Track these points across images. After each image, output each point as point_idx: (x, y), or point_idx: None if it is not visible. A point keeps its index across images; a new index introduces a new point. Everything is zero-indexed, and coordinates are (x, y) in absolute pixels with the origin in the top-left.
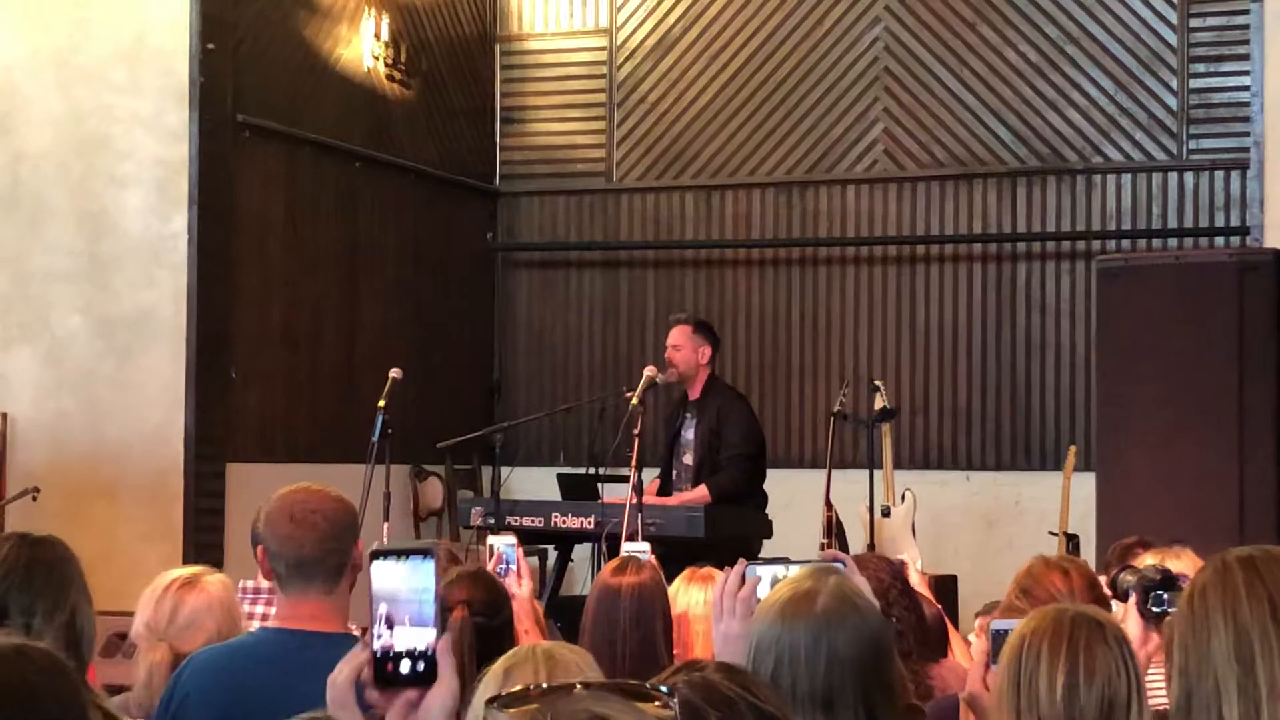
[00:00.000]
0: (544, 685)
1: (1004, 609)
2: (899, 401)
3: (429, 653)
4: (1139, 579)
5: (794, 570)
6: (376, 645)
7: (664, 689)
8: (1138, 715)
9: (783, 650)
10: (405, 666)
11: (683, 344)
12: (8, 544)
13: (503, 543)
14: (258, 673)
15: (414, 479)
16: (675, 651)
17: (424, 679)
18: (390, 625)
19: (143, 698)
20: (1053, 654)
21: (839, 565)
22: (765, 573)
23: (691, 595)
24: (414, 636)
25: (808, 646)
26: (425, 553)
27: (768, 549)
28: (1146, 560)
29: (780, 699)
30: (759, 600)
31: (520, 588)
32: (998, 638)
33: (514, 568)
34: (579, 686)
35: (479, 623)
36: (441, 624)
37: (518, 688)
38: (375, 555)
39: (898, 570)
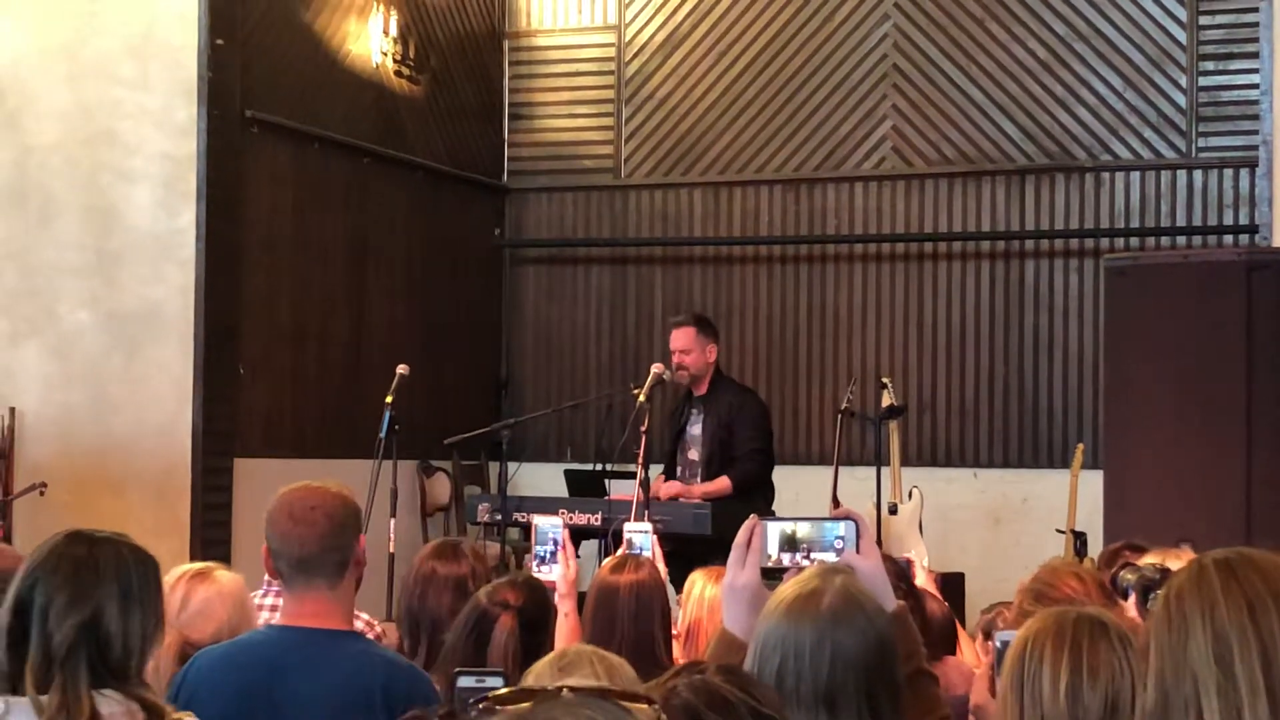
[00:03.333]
0: (530, 689)
1: (1016, 617)
2: (906, 399)
3: None
4: (1138, 578)
5: (803, 527)
6: None
7: (654, 700)
8: (1141, 715)
9: (788, 649)
10: None
11: (690, 347)
12: (56, 537)
13: (550, 522)
14: (262, 670)
15: (421, 475)
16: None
17: None
18: None
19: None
20: (1055, 654)
21: (850, 522)
22: (773, 528)
23: (707, 597)
24: None
25: (812, 645)
26: None
27: None
28: (1148, 560)
29: (780, 703)
30: (768, 556)
31: (568, 568)
32: (1004, 650)
33: (561, 549)
34: (566, 691)
35: (524, 639)
36: None
37: (504, 690)
38: None
39: (902, 571)
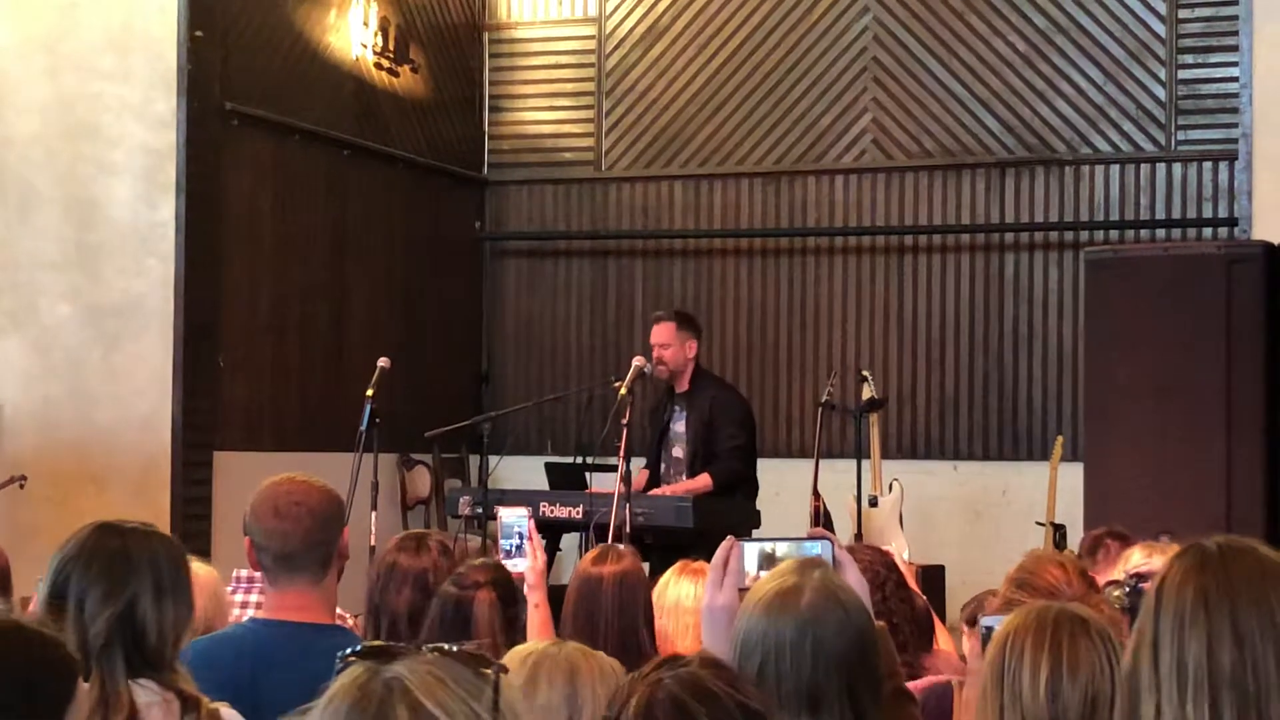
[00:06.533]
0: (391, 645)
1: (1001, 605)
2: (886, 391)
3: None
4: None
5: (780, 547)
6: None
7: (499, 663)
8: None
9: (769, 646)
10: None
11: (669, 342)
12: (86, 529)
13: (514, 514)
14: (247, 665)
15: (402, 468)
16: (659, 642)
17: None
18: None
19: None
20: (1036, 650)
21: (826, 543)
22: (751, 548)
23: (682, 588)
24: None
25: (793, 642)
26: None
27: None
28: (1136, 556)
29: (765, 697)
30: (746, 575)
31: (536, 558)
32: (988, 635)
33: (528, 540)
34: (425, 649)
35: (503, 611)
36: None
37: (371, 643)
38: None
39: (892, 562)
